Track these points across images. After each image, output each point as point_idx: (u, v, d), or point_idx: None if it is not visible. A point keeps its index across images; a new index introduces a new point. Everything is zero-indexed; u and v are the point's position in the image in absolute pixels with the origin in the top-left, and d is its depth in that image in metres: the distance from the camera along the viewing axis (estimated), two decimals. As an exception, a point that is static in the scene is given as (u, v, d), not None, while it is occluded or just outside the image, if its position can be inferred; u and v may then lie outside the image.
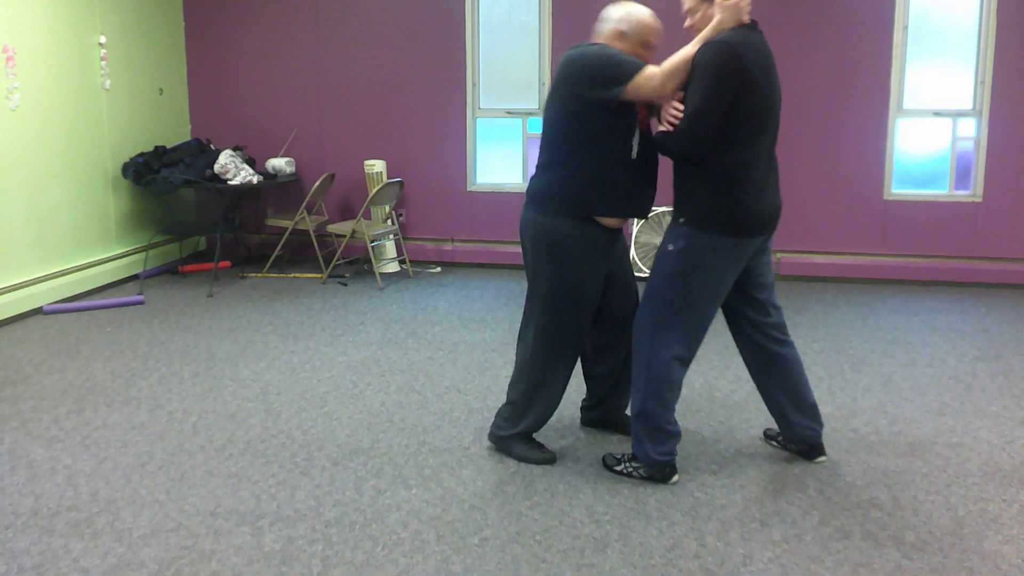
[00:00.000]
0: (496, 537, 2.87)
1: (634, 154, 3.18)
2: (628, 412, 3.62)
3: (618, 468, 3.32)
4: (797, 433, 3.41)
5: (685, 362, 3.20)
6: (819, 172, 6.77)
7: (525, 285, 6.55)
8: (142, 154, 6.70)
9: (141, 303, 5.98)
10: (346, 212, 7.44)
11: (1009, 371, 4.60)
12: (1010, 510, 3.06)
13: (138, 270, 6.71)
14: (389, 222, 6.97)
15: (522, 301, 6.09)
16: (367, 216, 6.91)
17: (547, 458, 3.44)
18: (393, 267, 7.09)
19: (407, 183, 7.19)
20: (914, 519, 3.00)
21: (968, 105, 6.58)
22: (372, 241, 6.66)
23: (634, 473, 3.28)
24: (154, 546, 2.81)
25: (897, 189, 6.76)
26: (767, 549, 2.80)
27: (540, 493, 3.18)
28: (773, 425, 3.68)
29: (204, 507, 3.07)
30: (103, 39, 6.40)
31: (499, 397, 4.16)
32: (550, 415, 3.49)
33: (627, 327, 3.42)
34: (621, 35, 3.23)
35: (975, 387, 4.35)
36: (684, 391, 4.24)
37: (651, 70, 3.06)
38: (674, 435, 3.23)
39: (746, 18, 3.06)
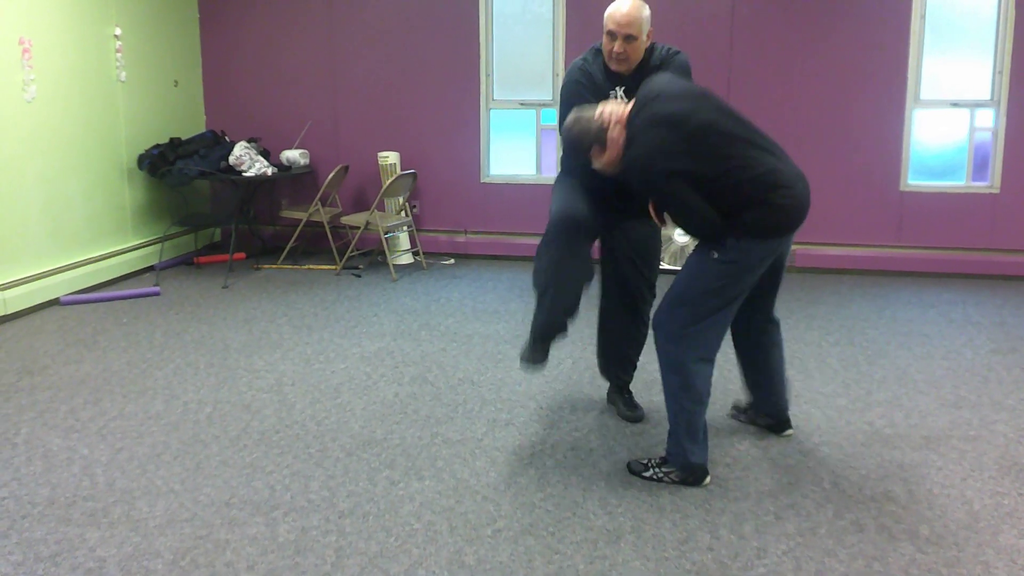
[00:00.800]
0: (509, 528, 2.87)
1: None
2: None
3: (647, 474, 3.23)
4: (771, 407, 3.55)
5: (713, 361, 3.19)
6: (835, 163, 6.72)
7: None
8: (157, 146, 6.72)
9: (157, 294, 6.01)
10: (360, 204, 7.45)
11: (1026, 364, 4.57)
12: (1026, 504, 3.04)
13: (154, 261, 6.75)
14: (403, 214, 6.98)
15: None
16: (381, 208, 6.92)
17: (535, 359, 3.42)
18: (407, 259, 7.10)
19: (421, 175, 7.19)
20: (929, 513, 2.98)
21: (986, 95, 6.52)
22: (386, 233, 6.67)
23: (665, 479, 3.19)
24: (169, 536, 2.83)
25: (914, 180, 6.71)
26: (781, 542, 2.79)
27: (553, 485, 3.18)
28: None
29: (219, 497, 3.09)
30: (118, 31, 6.43)
31: (512, 389, 4.17)
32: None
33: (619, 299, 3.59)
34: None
35: (991, 380, 4.32)
36: (698, 383, 4.24)
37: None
38: (706, 435, 3.21)
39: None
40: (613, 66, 3.30)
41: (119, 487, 3.16)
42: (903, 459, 3.40)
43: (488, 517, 2.95)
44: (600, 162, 3.07)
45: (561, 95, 3.43)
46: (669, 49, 3.42)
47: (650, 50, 3.37)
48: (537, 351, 3.43)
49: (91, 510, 2.99)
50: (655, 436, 3.60)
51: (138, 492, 3.12)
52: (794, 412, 3.83)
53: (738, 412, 3.79)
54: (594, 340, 4.95)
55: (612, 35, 3.23)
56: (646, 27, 3.26)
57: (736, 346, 3.55)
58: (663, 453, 3.27)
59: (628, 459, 3.36)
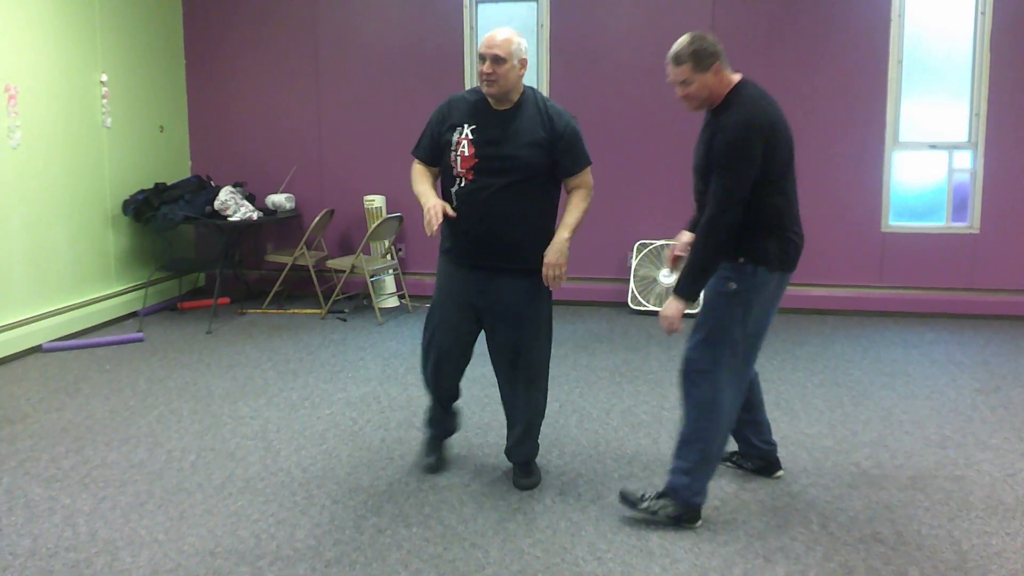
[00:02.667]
0: (498, 575, 2.85)
1: (454, 202, 3.38)
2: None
3: (643, 506, 3.21)
4: (757, 450, 3.60)
5: (738, 406, 3.27)
6: (817, 205, 6.79)
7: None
8: (142, 191, 6.73)
9: (140, 340, 5.98)
10: (346, 247, 7.46)
11: (1009, 403, 4.60)
12: (1014, 544, 3.04)
13: (137, 307, 6.72)
14: (388, 257, 6.99)
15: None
16: (366, 251, 6.93)
17: (427, 464, 3.72)
18: (392, 302, 7.10)
19: (407, 218, 7.21)
20: (917, 554, 2.98)
21: (964, 137, 6.64)
22: (371, 276, 6.67)
23: (659, 512, 3.17)
24: (153, 587, 2.78)
25: (894, 221, 6.79)
26: (771, 586, 2.78)
27: (542, 530, 3.16)
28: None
29: (203, 547, 3.05)
30: (104, 77, 6.46)
31: (500, 433, 4.15)
32: (430, 416, 3.76)
33: (501, 364, 3.56)
34: None
35: (975, 419, 4.34)
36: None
37: (414, 163, 3.54)
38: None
39: None
40: (485, 88, 3.38)
41: (102, 537, 3.12)
42: (890, 500, 3.40)
43: (476, 564, 2.92)
44: (693, 87, 3.12)
45: (426, 125, 3.56)
46: (554, 106, 3.45)
47: (526, 93, 3.45)
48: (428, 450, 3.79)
49: (73, 561, 2.95)
50: (643, 480, 3.59)
51: (121, 542, 3.08)
52: (781, 454, 3.83)
53: (723, 460, 3.71)
54: (580, 383, 4.97)
55: (482, 57, 3.36)
56: (517, 55, 3.36)
57: None
58: (659, 488, 3.24)
59: (619, 507, 3.33)
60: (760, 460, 3.64)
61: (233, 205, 6.67)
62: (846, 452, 3.91)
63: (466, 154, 3.33)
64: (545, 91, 7.05)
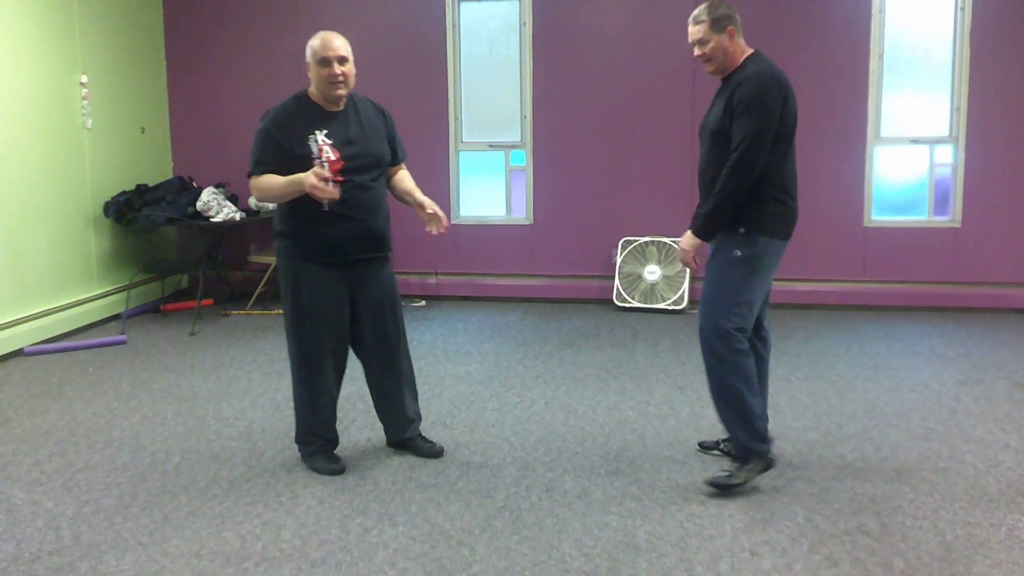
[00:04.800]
0: (484, 573, 2.84)
1: (326, 206, 3.40)
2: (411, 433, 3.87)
3: (736, 480, 3.39)
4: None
5: (749, 355, 3.42)
6: (800, 199, 6.79)
7: (510, 317, 6.58)
8: (124, 192, 6.69)
9: (123, 343, 5.94)
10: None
11: (991, 395, 4.63)
12: (997, 534, 3.06)
13: (120, 309, 6.67)
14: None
15: (508, 334, 6.09)
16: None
17: (335, 469, 3.66)
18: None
19: (391, 217, 7.19)
20: (903, 545, 2.99)
21: (945, 132, 6.68)
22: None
23: (750, 476, 3.41)
24: (137, 590, 2.77)
25: (877, 216, 6.83)
26: (757, 579, 2.79)
27: (528, 527, 3.16)
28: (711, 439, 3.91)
29: (188, 549, 3.03)
30: (84, 78, 6.41)
31: (486, 431, 4.15)
32: (318, 428, 3.68)
33: (383, 350, 3.70)
34: (308, 68, 3.49)
35: (959, 412, 4.37)
36: (671, 421, 4.25)
37: (256, 181, 3.44)
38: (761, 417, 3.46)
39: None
40: (335, 91, 3.45)
41: (85, 541, 3.10)
42: (875, 492, 3.42)
43: (463, 562, 2.92)
44: (709, 47, 3.35)
45: (254, 140, 3.49)
46: (372, 100, 3.71)
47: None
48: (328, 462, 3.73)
49: (57, 565, 2.92)
50: (630, 475, 3.59)
51: (105, 546, 3.06)
52: (767, 448, 3.86)
53: (706, 449, 3.84)
54: (566, 380, 4.97)
55: (327, 61, 3.41)
56: (351, 53, 3.50)
57: None
58: (730, 463, 3.50)
59: (605, 502, 3.35)
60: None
61: (216, 206, 6.63)
62: (831, 445, 3.92)
63: (332, 158, 3.39)
64: (528, 89, 7.05)
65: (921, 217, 6.78)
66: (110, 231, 6.72)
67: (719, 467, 3.55)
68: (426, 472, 3.67)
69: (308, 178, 3.31)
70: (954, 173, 6.68)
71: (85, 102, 6.43)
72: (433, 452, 3.84)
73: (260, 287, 7.04)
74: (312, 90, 3.53)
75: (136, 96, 7.11)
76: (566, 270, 7.20)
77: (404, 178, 3.85)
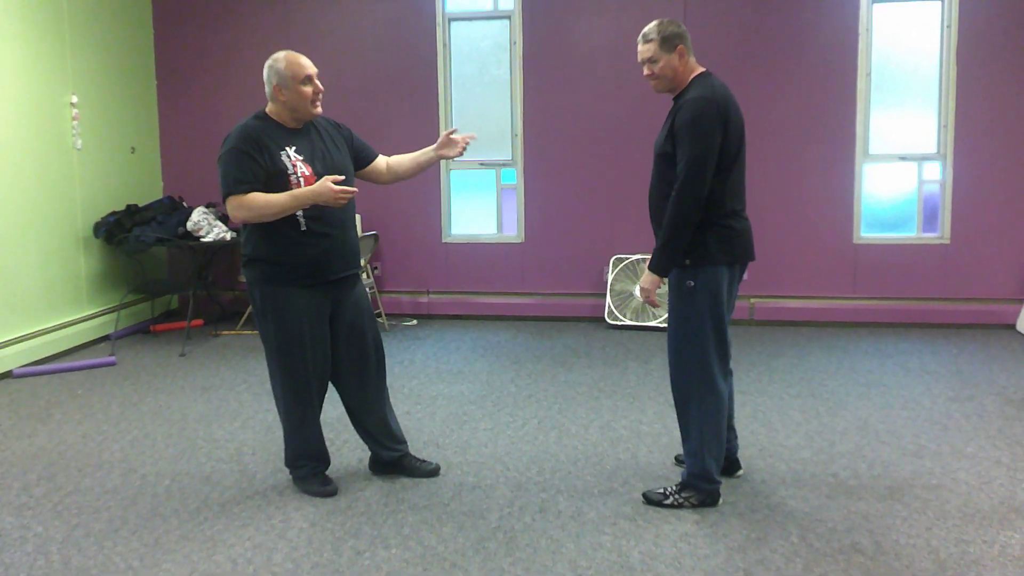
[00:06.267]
0: (478, 596, 2.83)
1: (303, 225, 3.40)
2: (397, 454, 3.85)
3: (668, 502, 3.44)
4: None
5: (725, 383, 3.45)
6: (789, 217, 6.86)
7: (502, 335, 6.58)
8: (114, 213, 6.67)
9: (113, 364, 5.91)
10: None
11: (983, 411, 4.64)
12: (991, 551, 3.06)
13: (110, 331, 6.64)
14: (364, 275, 6.96)
15: (500, 352, 6.08)
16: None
17: (327, 491, 3.63)
18: (369, 321, 7.06)
19: (382, 236, 7.20)
20: (896, 563, 2.99)
21: (932, 149, 6.72)
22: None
23: (685, 503, 3.43)
24: (127, 616, 2.74)
25: (866, 233, 6.86)
26: (752, 600, 2.77)
27: (522, 549, 3.14)
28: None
29: (179, 573, 3.00)
30: (75, 98, 6.41)
31: (479, 451, 4.13)
32: (309, 452, 3.68)
33: (365, 366, 3.68)
34: (278, 89, 3.45)
35: (951, 428, 4.38)
36: (664, 440, 4.24)
37: (238, 201, 3.34)
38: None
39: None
40: (315, 109, 3.49)
41: (75, 565, 3.06)
42: (868, 510, 3.42)
43: (456, 584, 2.90)
44: (658, 66, 3.36)
45: (226, 160, 3.43)
46: (326, 118, 3.70)
47: None
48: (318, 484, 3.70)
49: (45, 591, 2.89)
50: (623, 495, 3.58)
51: (95, 570, 3.03)
52: (759, 465, 3.86)
53: (681, 462, 3.86)
54: (559, 399, 4.96)
55: (310, 79, 3.45)
56: None
57: None
58: (679, 480, 3.53)
59: (598, 523, 3.34)
60: (724, 461, 3.70)
61: (206, 226, 6.62)
62: (824, 463, 3.92)
63: (307, 174, 3.41)
64: (518, 108, 7.08)
65: (910, 234, 6.82)
66: (100, 251, 6.70)
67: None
68: (418, 494, 3.65)
69: (327, 185, 3.30)
70: (942, 190, 6.72)
71: (75, 122, 6.42)
72: (431, 471, 3.83)
73: (250, 307, 7.01)
74: (272, 109, 3.50)
75: (126, 116, 7.10)
76: (558, 288, 7.20)
77: (398, 159, 3.87)
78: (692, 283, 3.33)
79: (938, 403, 4.80)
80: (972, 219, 6.67)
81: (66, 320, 6.30)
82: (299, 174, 3.40)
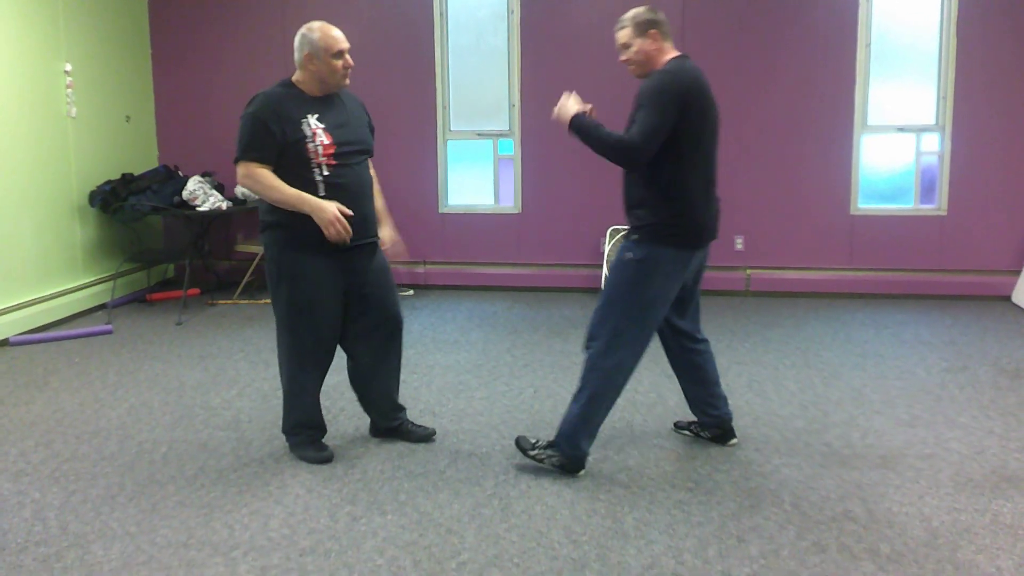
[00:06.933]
0: (474, 561, 2.85)
1: (321, 191, 3.40)
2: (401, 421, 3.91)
3: (532, 453, 3.51)
4: (714, 419, 3.76)
5: (631, 370, 3.44)
6: (786, 188, 6.84)
7: (498, 306, 6.58)
8: (109, 182, 6.64)
9: (109, 333, 5.91)
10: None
11: (976, 382, 4.66)
12: (982, 520, 3.09)
13: (106, 299, 6.64)
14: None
15: (496, 322, 6.09)
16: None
17: (323, 457, 3.66)
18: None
19: (378, 206, 7.17)
20: (888, 531, 3.01)
21: (931, 120, 6.70)
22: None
23: (546, 462, 3.48)
24: (125, 580, 2.76)
25: (863, 204, 6.85)
26: (745, 565, 2.80)
27: (517, 515, 3.16)
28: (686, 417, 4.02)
29: (176, 539, 3.02)
30: (68, 67, 6.36)
31: (475, 419, 4.15)
32: (307, 420, 3.70)
33: (387, 335, 3.72)
34: (309, 58, 3.46)
35: (944, 398, 4.40)
36: (659, 409, 4.26)
37: (247, 169, 3.38)
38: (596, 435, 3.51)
39: None
40: (344, 81, 3.54)
41: (72, 531, 3.08)
42: (861, 479, 3.44)
43: (452, 550, 2.92)
44: (632, 50, 3.42)
45: (244, 124, 3.42)
46: (351, 94, 3.73)
47: None
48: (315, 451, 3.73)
49: (44, 555, 2.91)
50: (618, 462, 3.61)
51: (92, 536, 3.05)
52: (753, 434, 3.88)
53: (680, 429, 3.97)
54: (554, 368, 4.97)
55: (341, 53, 3.49)
56: None
57: (673, 367, 3.79)
58: (551, 437, 3.53)
59: (593, 489, 3.36)
60: (717, 429, 3.80)
61: (202, 195, 6.60)
62: (818, 432, 3.95)
63: (326, 142, 3.41)
64: (516, 78, 7.03)
65: (907, 205, 6.81)
66: (95, 220, 6.67)
67: (669, 448, 3.58)
68: (414, 460, 3.67)
69: (331, 209, 3.33)
70: (940, 161, 6.71)
71: (69, 91, 6.37)
72: (426, 436, 3.87)
73: (247, 276, 7.01)
74: (298, 77, 3.50)
75: (121, 84, 7.05)
76: (554, 259, 7.20)
77: (375, 184, 3.82)
78: (631, 255, 3.34)
79: (932, 373, 4.82)
80: (970, 191, 6.66)
81: (62, 289, 6.29)
82: (318, 142, 3.39)
